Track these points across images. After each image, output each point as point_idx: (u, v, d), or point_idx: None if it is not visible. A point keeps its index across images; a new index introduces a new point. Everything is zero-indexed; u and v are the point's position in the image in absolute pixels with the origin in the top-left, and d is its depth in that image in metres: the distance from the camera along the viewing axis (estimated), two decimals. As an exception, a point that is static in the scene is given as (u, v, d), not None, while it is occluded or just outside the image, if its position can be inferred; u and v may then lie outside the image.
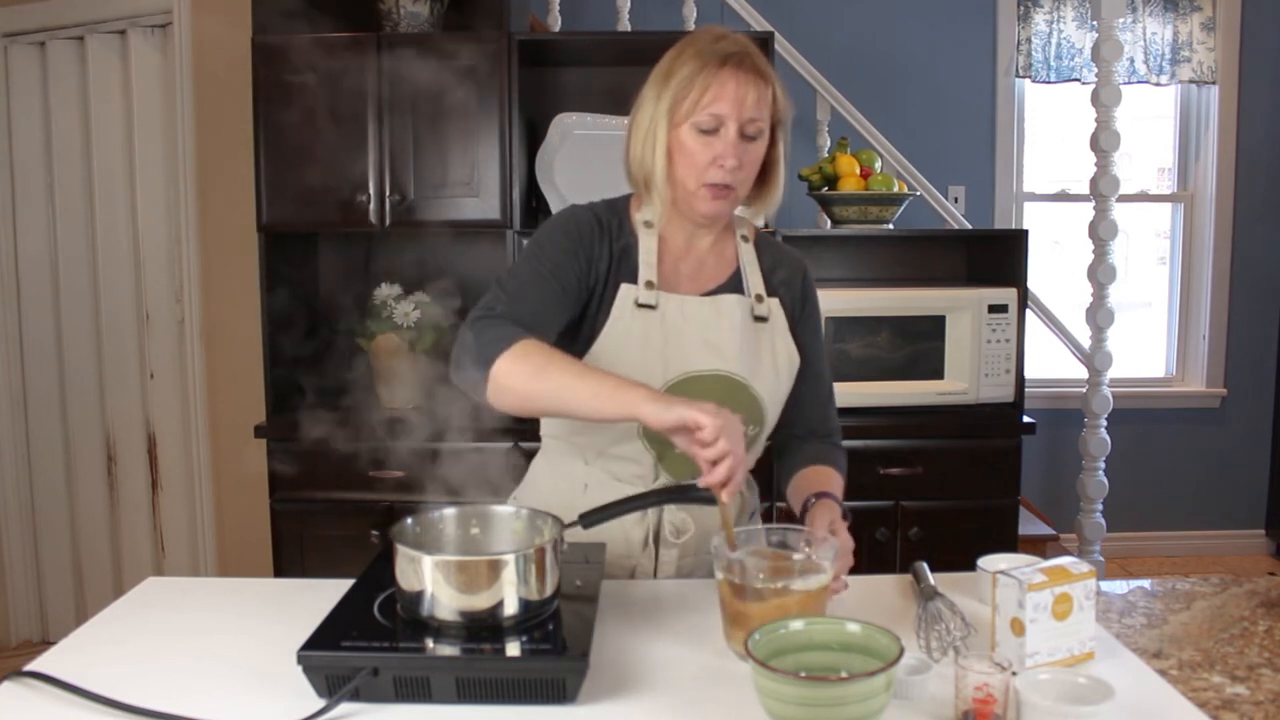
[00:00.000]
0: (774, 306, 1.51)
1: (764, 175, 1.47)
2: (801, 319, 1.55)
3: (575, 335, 1.45)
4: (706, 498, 1.33)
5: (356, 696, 1.06)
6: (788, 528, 1.29)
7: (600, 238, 1.46)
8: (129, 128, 3.39)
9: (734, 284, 1.51)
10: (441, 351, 3.06)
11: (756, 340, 1.48)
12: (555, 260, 1.41)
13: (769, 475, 2.80)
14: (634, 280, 1.44)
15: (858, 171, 3.05)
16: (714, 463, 1.17)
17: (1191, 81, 4.24)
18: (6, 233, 3.49)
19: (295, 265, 3.09)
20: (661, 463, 1.45)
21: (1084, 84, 4.14)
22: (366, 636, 1.10)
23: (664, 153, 1.41)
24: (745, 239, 1.54)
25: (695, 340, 1.44)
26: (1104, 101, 3.30)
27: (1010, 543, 2.85)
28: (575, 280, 1.42)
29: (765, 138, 1.42)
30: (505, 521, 1.32)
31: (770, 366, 1.48)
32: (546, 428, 1.56)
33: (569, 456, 1.52)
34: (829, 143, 3.64)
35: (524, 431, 2.65)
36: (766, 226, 2.91)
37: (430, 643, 1.09)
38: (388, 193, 2.85)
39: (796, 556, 1.24)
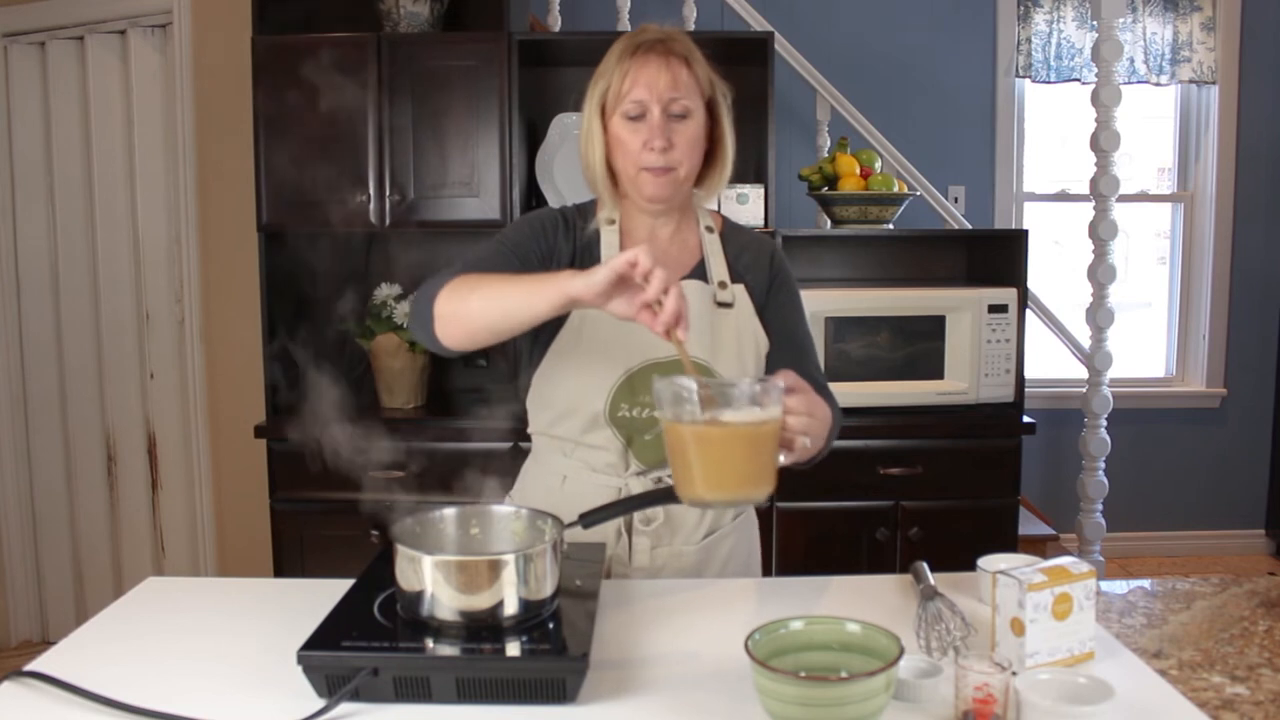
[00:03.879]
0: (739, 292, 1.53)
1: (711, 154, 1.52)
2: (771, 298, 1.56)
3: (540, 329, 1.46)
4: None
5: (356, 696, 1.06)
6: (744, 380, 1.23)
7: (564, 233, 1.52)
8: (129, 128, 3.39)
9: (698, 273, 1.54)
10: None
11: (719, 326, 1.50)
12: (516, 240, 1.47)
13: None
14: None
15: (858, 171, 3.05)
16: (659, 302, 1.15)
17: (1191, 81, 4.24)
18: (6, 232, 3.49)
19: (295, 265, 3.09)
20: (631, 448, 1.48)
21: (1084, 84, 4.14)
22: (366, 636, 1.10)
23: (601, 147, 1.47)
24: (710, 230, 1.57)
25: None
26: (1104, 101, 3.30)
27: (1010, 543, 2.85)
28: (536, 260, 1.47)
29: (697, 116, 1.46)
30: (505, 521, 1.32)
31: (734, 352, 1.50)
32: (533, 425, 1.58)
33: (551, 451, 1.55)
34: (829, 143, 3.64)
35: (524, 433, 2.65)
36: (767, 226, 2.91)
37: (430, 643, 1.09)
38: (388, 193, 2.85)
39: (737, 390, 1.17)
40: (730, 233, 1.59)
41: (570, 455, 1.51)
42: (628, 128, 1.44)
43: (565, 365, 1.49)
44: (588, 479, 1.49)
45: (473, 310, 1.31)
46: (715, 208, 2.88)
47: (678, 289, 1.17)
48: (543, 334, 1.49)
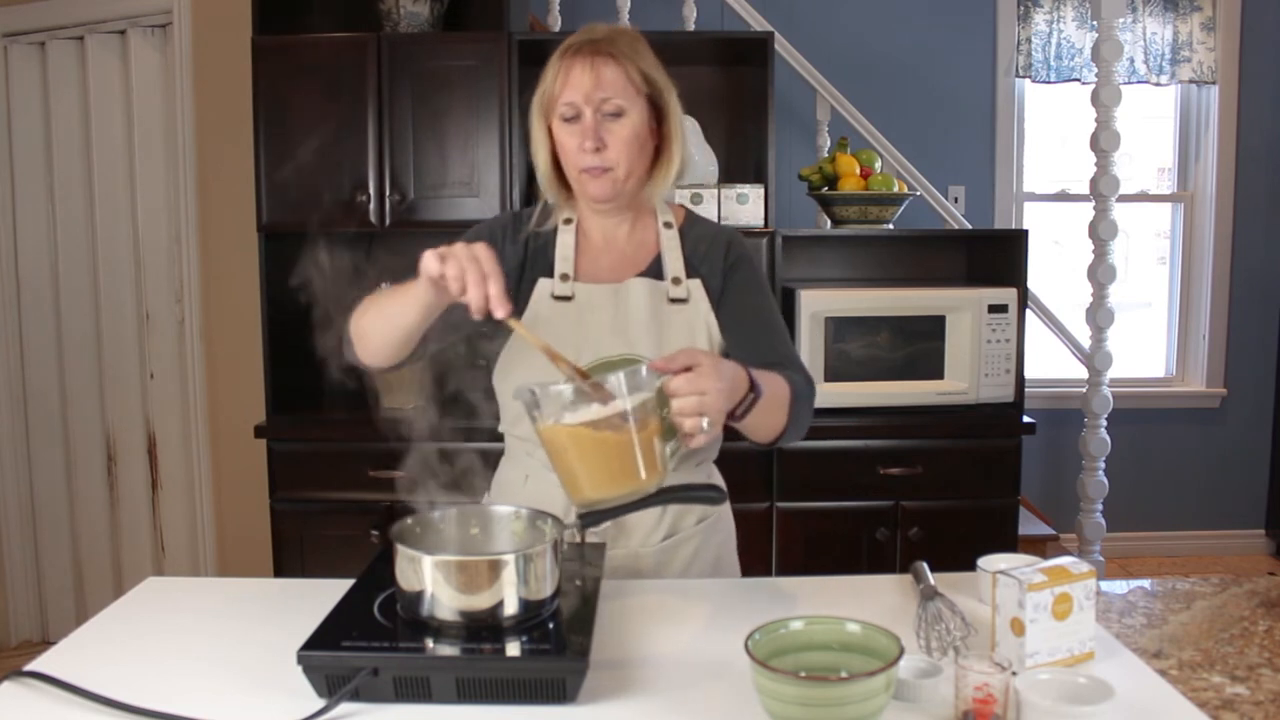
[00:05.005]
0: (694, 288, 1.52)
1: (661, 150, 1.51)
2: (728, 286, 1.54)
3: (495, 331, 1.51)
4: (708, 497, 1.33)
5: (356, 696, 1.06)
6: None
7: (512, 237, 1.53)
8: (129, 128, 3.39)
9: (652, 270, 1.53)
10: (440, 351, 3.06)
11: (670, 323, 1.49)
12: None
13: (764, 475, 2.80)
14: (552, 274, 1.51)
15: (858, 171, 3.05)
16: (462, 293, 1.19)
17: (1191, 81, 4.24)
18: (6, 233, 3.49)
19: (295, 265, 3.08)
20: None
21: (1084, 84, 4.14)
22: (366, 636, 1.10)
23: (546, 151, 1.49)
24: (669, 226, 1.56)
25: (606, 328, 1.47)
26: (1104, 101, 3.30)
27: (1010, 543, 2.85)
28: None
29: (634, 115, 1.45)
30: (505, 522, 1.31)
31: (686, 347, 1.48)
32: (501, 424, 1.59)
33: (516, 450, 1.57)
34: (829, 143, 3.64)
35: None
36: (767, 226, 2.91)
37: (430, 643, 1.09)
38: (388, 193, 2.86)
39: (606, 384, 1.15)
40: (689, 226, 1.58)
41: (532, 455, 1.52)
42: (565, 130, 1.45)
43: (517, 366, 1.50)
44: (547, 478, 1.48)
45: (366, 326, 1.40)
46: (715, 208, 2.88)
47: (475, 275, 1.17)
48: (499, 335, 1.51)
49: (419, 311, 1.30)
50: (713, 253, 1.55)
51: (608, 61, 1.43)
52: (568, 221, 1.54)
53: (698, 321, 1.51)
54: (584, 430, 1.15)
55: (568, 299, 1.49)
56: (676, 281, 1.51)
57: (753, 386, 1.27)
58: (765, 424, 1.38)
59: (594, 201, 1.49)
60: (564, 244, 1.52)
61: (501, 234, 1.54)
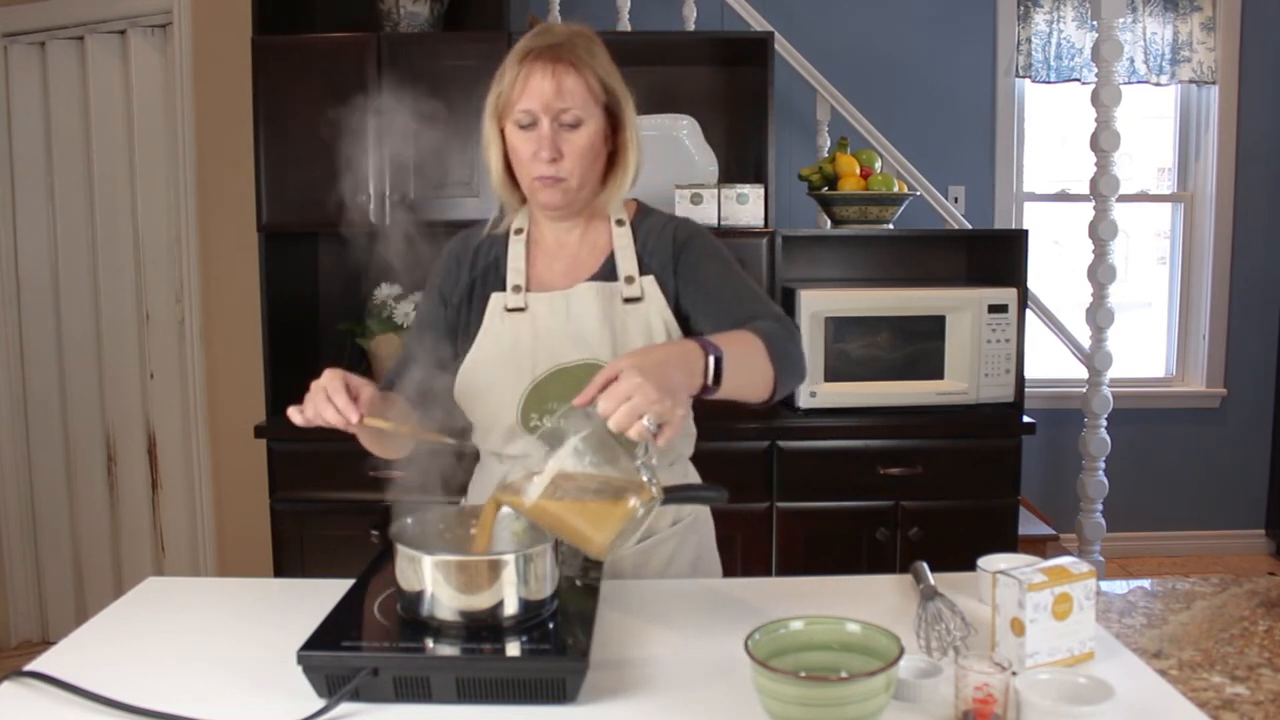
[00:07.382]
0: (647, 285, 1.50)
1: (616, 158, 1.49)
2: (681, 267, 1.51)
3: (455, 349, 1.53)
4: (709, 496, 1.33)
5: (356, 696, 1.06)
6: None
7: (460, 263, 1.55)
8: (129, 128, 3.39)
9: (606, 271, 1.51)
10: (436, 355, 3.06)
11: (625, 324, 1.47)
12: (424, 314, 1.58)
13: (764, 475, 2.81)
14: (504, 288, 1.50)
15: (858, 171, 3.05)
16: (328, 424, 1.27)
17: (1191, 81, 4.24)
18: (6, 233, 3.49)
19: (295, 265, 3.09)
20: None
21: (1084, 84, 4.14)
22: (366, 636, 1.11)
23: (498, 155, 1.49)
24: (620, 223, 1.53)
25: (562, 335, 1.46)
26: (1104, 101, 3.30)
27: (1010, 543, 2.85)
28: (445, 319, 1.54)
29: (591, 124, 1.43)
30: (505, 522, 1.31)
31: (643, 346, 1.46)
32: (474, 437, 1.58)
33: (489, 461, 1.56)
34: (829, 143, 3.64)
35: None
36: (767, 226, 2.91)
37: (430, 643, 1.09)
38: (388, 193, 2.86)
39: (560, 446, 1.17)
40: (640, 219, 1.55)
41: (503, 463, 1.52)
42: (520, 136, 1.43)
43: (474, 383, 1.49)
44: None
45: (360, 439, 1.44)
46: (715, 209, 2.87)
47: (324, 405, 1.26)
48: (459, 355, 1.51)
49: (363, 435, 1.38)
50: (661, 243, 1.52)
51: (569, 70, 1.40)
52: (518, 232, 1.53)
53: (654, 319, 1.48)
54: (554, 490, 1.15)
55: (520, 310, 1.48)
56: (630, 280, 1.49)
57: (707, 351, 1.23)
58: (750, 381, 1.33)
59: (545, 209, 1.49)
60: (515, 255, 1.52)
61: (451, 271, 1.55)
